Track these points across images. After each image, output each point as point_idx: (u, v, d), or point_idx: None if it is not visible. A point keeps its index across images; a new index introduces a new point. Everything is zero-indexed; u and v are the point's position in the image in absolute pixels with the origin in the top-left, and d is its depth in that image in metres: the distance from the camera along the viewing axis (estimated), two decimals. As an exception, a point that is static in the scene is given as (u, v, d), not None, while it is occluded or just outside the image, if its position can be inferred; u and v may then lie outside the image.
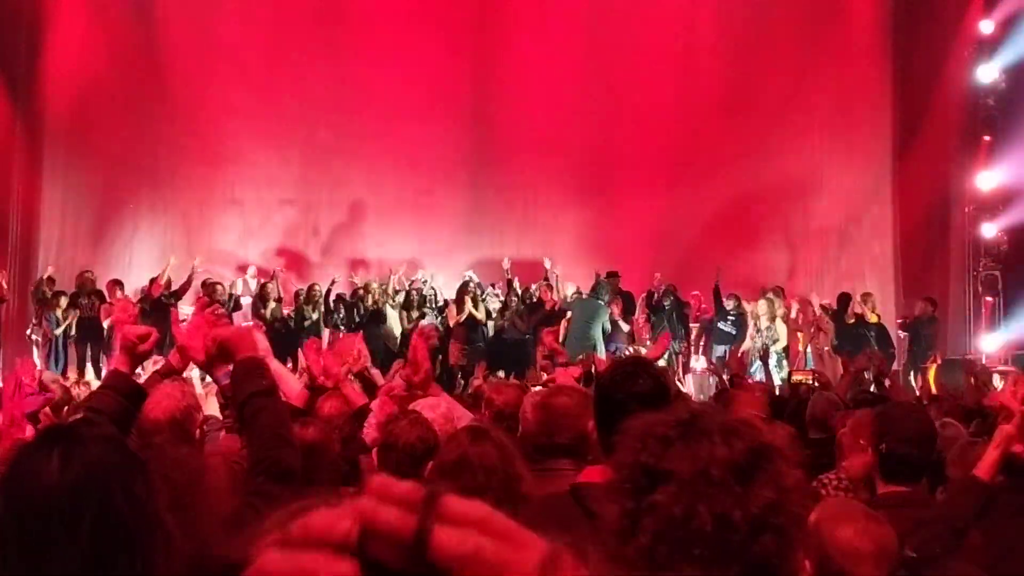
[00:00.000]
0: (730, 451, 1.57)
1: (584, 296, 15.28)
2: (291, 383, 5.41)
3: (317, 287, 15.66)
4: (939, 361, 15.10)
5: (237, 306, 15.14)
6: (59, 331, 14.86)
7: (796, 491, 1.60)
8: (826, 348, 15.22)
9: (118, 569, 1.74)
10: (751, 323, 15.41)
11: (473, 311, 15.21)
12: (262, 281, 15.47)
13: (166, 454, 2.45)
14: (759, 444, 1.60)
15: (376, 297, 15.37)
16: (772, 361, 14.87)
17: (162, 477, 2.25)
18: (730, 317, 15.57)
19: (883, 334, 15.63)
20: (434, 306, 15.74)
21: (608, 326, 14.95)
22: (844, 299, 15.73)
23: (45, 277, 15.46)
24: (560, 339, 14.51)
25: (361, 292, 15.55)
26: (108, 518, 1.76)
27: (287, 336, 14.71)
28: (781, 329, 15.29)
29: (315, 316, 15.29)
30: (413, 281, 16.03)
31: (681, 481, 1.56)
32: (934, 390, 13.23)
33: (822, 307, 15.85)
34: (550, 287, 15.50)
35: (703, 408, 1.70)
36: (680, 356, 15.38)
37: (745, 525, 1.52)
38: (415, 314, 15.20)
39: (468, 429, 3.35)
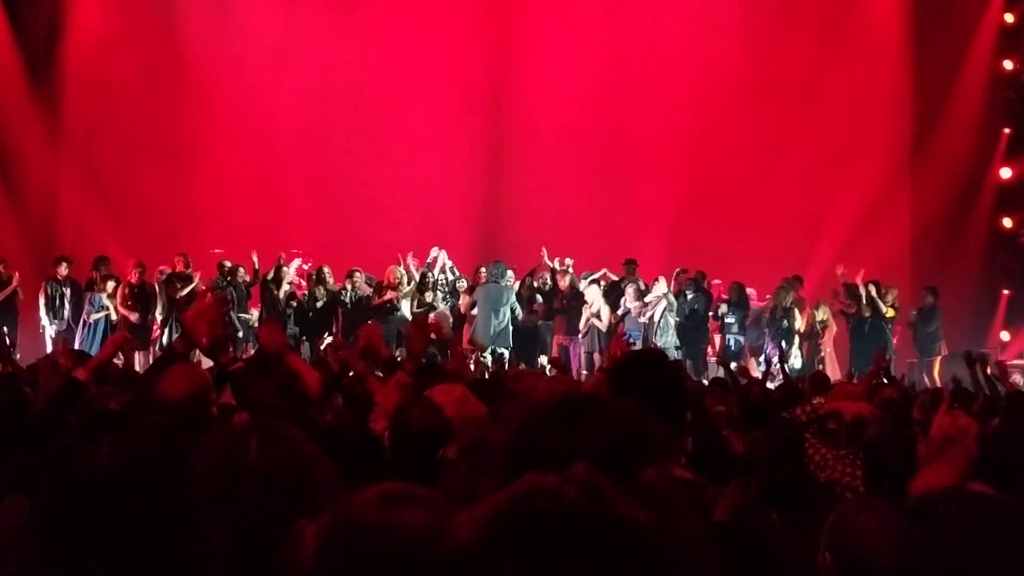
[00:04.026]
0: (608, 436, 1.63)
1: (489, 281, 14.94)
2: (310, 372, 5.46)
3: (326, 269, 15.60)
4: (945, 353, 15.01)
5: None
6: (98, 316, 14.56)
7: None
8: (828, 350, 15.07)
9: (156, 550, 1.81)
10: (765, 314, 15.28)
11: None
12: (279, 263, 15.44)
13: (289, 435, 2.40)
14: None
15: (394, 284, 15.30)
16: (789, 350, 14.78)
17: (287, 456, 2.20)
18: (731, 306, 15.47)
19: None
20: (445, 290, 15.65)
21: (518, 310, 14.83)
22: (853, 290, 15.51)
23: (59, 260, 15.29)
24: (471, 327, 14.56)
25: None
26: (151, 503, 1.83)
27: (300, 319, 14.83)
28: (794, 318, 15.14)
29: (326, 298, 15.27)
30: (430, 263, 15.88)
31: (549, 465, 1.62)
32: (938, 383, 13.22)
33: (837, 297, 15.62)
34: (564, 274, 15.36)
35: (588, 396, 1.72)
36: (703, 348, 15.24)
37: None
38: (428, 296, 15.11)
39: (491, 412, 3.42)
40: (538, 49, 18.06)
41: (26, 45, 17.13)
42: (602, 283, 15.31)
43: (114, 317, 14.59)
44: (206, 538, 1.88)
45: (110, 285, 14.69)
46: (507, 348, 14.56)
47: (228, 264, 15.13)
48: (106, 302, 14.64)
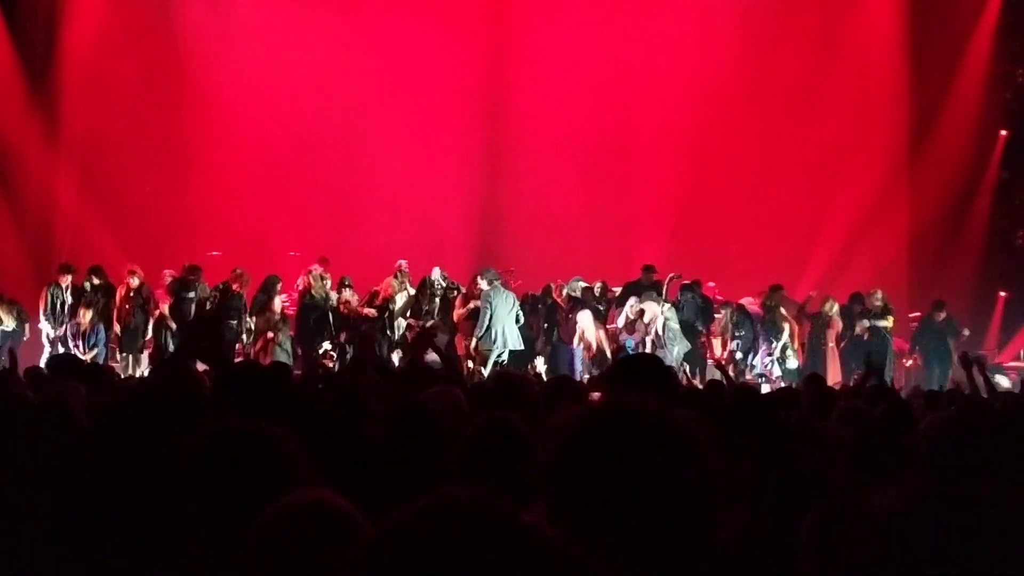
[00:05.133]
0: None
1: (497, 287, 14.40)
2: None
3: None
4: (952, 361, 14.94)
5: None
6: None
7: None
8: (830, 344, 15.01)
9: (147, 545, 1.88)
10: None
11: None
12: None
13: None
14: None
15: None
16: (778, 353, 14.79)
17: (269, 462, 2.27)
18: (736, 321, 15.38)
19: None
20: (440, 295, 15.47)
21: (520, 316, 14.41)
22: (855, 298, 15.39)
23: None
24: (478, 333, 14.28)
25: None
26: (153, 502, 1.91)
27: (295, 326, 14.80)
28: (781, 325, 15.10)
29: (321, 306, 15.15)
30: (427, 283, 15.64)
31: None
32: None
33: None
34: (559, 289, 15.13)
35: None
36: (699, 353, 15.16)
37: None
38: (426, 306, 14.92)
39: (487, 417, 3.47)
40: (536, 53, 18.08)
41: (24, 46, 17.12)
42: (601, 296, 15.14)
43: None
44: (193, 532, 1.91)
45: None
46: (521, 349, 14.40)
47: (238, 270, 14.66)
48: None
